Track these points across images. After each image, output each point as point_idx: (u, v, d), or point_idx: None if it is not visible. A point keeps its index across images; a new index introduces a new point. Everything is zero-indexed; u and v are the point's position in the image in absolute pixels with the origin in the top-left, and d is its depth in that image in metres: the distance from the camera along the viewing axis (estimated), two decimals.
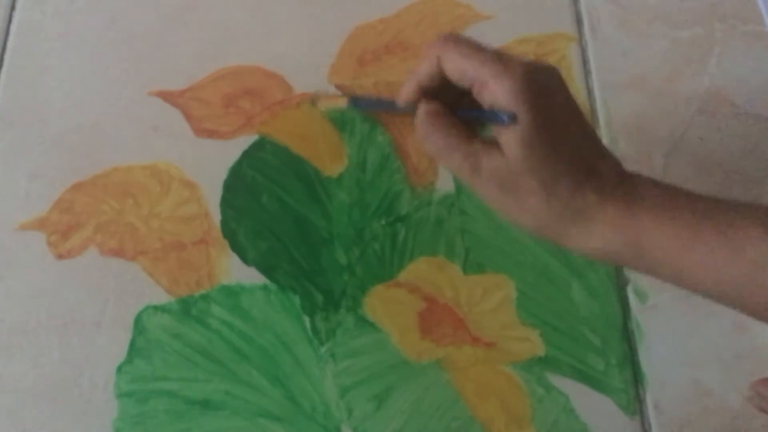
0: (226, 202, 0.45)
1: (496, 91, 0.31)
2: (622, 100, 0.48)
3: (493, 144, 0.32)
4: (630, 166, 0.33)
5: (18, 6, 0.50)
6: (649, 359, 0.42)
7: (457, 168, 0.33)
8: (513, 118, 0.30)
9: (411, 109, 0.34)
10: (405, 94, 0.34)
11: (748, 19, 0.51)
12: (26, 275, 0.43)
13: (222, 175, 0.45)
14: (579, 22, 0.51)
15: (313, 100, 0.46)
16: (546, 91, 0.31)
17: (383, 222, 0.45)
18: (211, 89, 0.48)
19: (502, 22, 0.51)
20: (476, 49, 0.32)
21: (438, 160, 0.34)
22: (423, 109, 0.33)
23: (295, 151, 0.46)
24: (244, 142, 0.46)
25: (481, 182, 0.32)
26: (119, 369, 0.41)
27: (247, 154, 0.46)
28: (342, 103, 0.43)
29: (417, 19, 0.50)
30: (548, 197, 0.31)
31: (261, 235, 0.44)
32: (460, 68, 0.32)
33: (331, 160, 0.46)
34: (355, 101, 0.40)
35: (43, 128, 0.46)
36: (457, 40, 0.32)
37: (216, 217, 0.44)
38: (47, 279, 0.43)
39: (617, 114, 0.48)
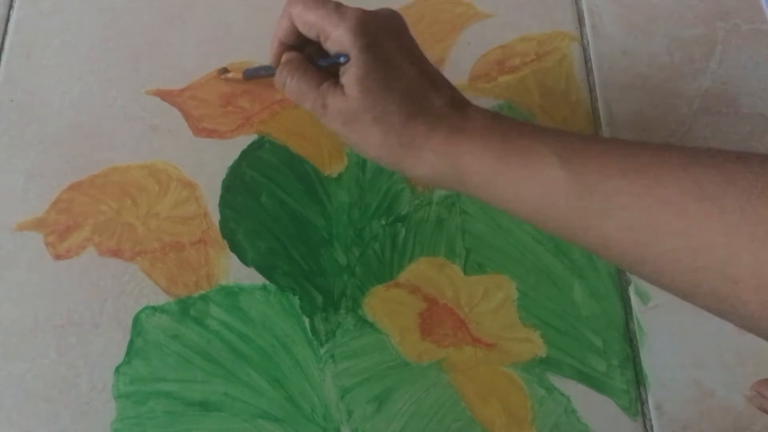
0: (225, 202, 0.44)
1: (335, 39, 0.34)
2: (624, 99, 0.48)
3: (339, 86, 0.35)
4: None
5: (16, 4, 0.50)
6: (651, 360, 0.42)
7: (310, 108, 0.36)
8: (347, 59, 0.34)
9: None
10: (271, 53, 0.38)
11: (750, 18, 0.51)
12: (24, 276, 0.42)
13: (221, 174, 0.45)
14: (580, 20, 0.51)
15: (219, 72, 0.47)
16: (380, 35, 0.34)
17: (383, 222, 0.44)
18: (210, 88, 0.47)
19: (503, 21, 0.50)
20: (320, 2, 0.35)
21: (297, 103, 0.37)
22: (282, 59, 0.37)
23: (294, 151, 0.46)
24: (243, 141, 0.46)
25: (329, 119, 0.35)
26: (117, 370, 0.40)
27: (246, 154, 0.46)
28: (239, 76, 0.46)
29: (418, 18, 0.50)
30: (383, 130, 0.34)
31: (260, 235, 0.44)
32: (307, 21, 0.35)
33: (330, 159, 0.46)
34: (246, 72, 0.44)
35: (40, 128, 0.46)
36: None
37: (215, 217, 0.44)
38: (45, 280, 0.42)
39: (619, 113, 0.48)
